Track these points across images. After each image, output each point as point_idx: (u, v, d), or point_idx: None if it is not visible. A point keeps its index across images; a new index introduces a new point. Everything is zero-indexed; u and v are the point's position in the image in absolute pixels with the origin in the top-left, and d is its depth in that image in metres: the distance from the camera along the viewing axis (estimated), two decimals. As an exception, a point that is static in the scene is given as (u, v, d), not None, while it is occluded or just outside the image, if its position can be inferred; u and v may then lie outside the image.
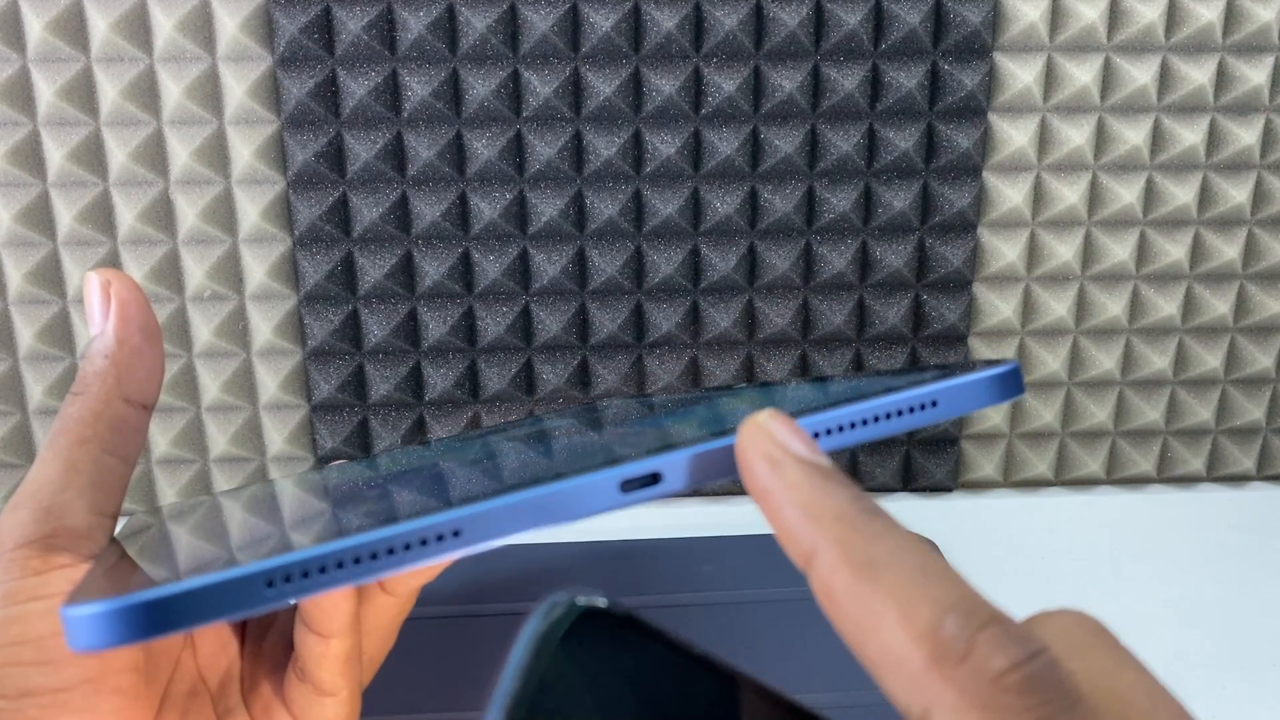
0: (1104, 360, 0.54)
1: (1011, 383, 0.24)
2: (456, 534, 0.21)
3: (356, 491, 0.27)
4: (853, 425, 0.23)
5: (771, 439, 0.21)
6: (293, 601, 0.20)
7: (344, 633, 0.28)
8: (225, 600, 0.19)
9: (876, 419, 0.24)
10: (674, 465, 0.22)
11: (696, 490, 0.22)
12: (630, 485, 0.22)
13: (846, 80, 0.50)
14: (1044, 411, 0.55)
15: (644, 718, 0.17)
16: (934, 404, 0.24)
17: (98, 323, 0.29)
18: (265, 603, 0.20)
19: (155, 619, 0.19)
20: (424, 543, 0.20)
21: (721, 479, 0.23)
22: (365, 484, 0.28)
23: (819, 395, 0.26)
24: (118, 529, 0.29)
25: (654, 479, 0.22)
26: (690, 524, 0.51)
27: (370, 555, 0.20)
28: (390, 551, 0.20)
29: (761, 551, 0.49)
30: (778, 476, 0.20)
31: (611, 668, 0.17)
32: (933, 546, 0.47)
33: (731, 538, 0.50)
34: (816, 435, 0.23)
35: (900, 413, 0.24)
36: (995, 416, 0.55)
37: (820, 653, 0.42)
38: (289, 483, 0.32)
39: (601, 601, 0.17)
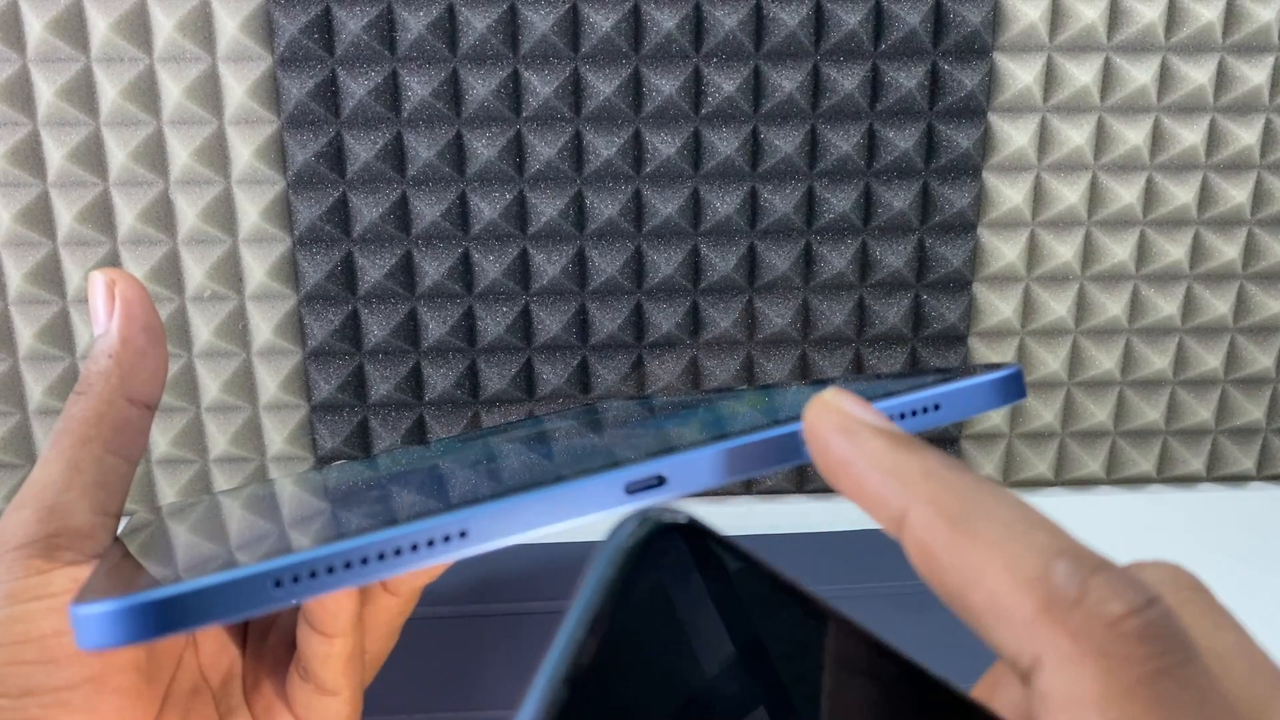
0: (1104, 360, 0.54)
1: (1014, 386, 0.24)
2: (463, 534, 0.21)
3: (361, 491, 0.27)
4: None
5: (842, 412, 0.20)
6: (300, 601, 0.20)
7: (347, 632, 0.28)
8: (233, 600, 0.19)
9: (901, 417, 0.24)
10: (679, 468, 0.22)
11: (699, 493, 0.22)
12: (635, 488, 0.22)
13: (846, 80, 0.50)
14: (1044, 411, 0.55)
15: (726, 637, 0.17)
16: (937, 407, 0.24)
17: (102, 322, 0.29)
18: (273, 602, 0.20)
19: (164, 618, 0.19)
20: (431, 543, 0.20)
21: (726, 481, 0.23)
22: (368, 484, 0.28)
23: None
24: (120, 528, 0.29)
25: (659, 481, 0.22)
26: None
27: (378, 556, 0.20)
28: (397, 552, 0.20)
29: (762, 551, 0.49)
30: (856, 445, 0.20)
31: (693, 585, 0.17)
32: None
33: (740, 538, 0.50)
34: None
35: (904, 415, 0.24)
36: (995, 416, 0.55)
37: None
38: (290, 482, 0.32)
39: (683, 518, 0.17)
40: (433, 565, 0.21)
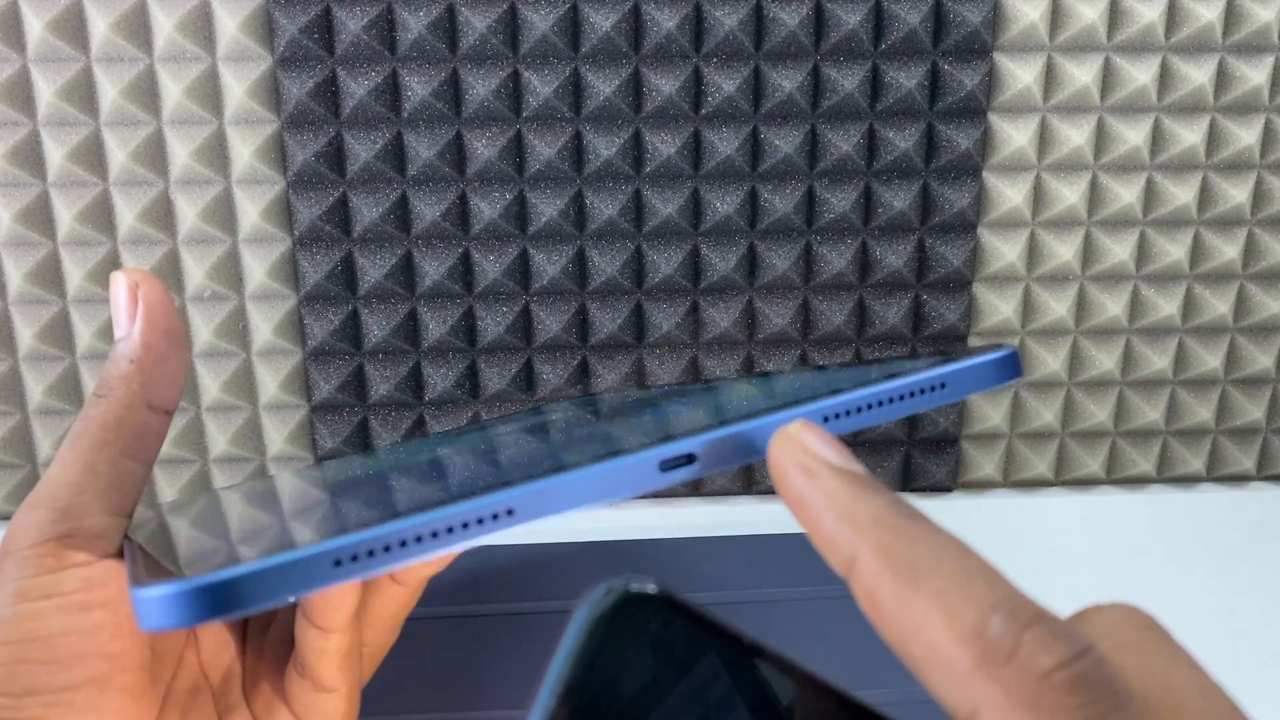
0: (1104, 360, 0.54)
1: (1011, 365, 0.25)
2: (510, 513, 0.21)
3: (396, 475, 0.28)
4: (864, 408, 0.24)
5: (804, 449, 0.21)
6: (357, 579, 0.21)
7: (344, 628, 0.28)
8: (294, 579, 0.20)
9: (889, 401, 0.24)
10: (708, 446, 0.23)
11: (721, 473, 0.24)
12: (669, 465, 0.23)
13: (846, 80, 0.50)
14: (1044, 411, 0.55)
15: (695, 705, 0.17)
16: (943, 386, 0.25)
17: (124, 325, 0.29)
18: (330, 581, 0.20)
19: (229, 598, 0.20)
20: (480, 521, 0.21)
21: (749, 460, 0.23)
22: (400, 469, 0.29)
23: (825, 382, 0.27)
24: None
25: (689, 459, 0.23)
26: (690, 524, 0.51)
27: (431, 534, 0.21)
28: (450, 530, 0.21)
29: (762, 552, 0.49)
30: (813, 485, 0.20)
31: (663, 655, 0.17)
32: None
33: (731, 538, 0.50)
34: (826, 419, 0.24)
35: (912, 394, 0.25)
36: (995, 416, 0.55)
37: (820, 652, 0.42)
38: (314, 470, 0.33)
39: (652, 588, 0.18)
40: (479, 542, 0.22)
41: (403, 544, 0.21)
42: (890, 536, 0.19)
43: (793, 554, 0.49)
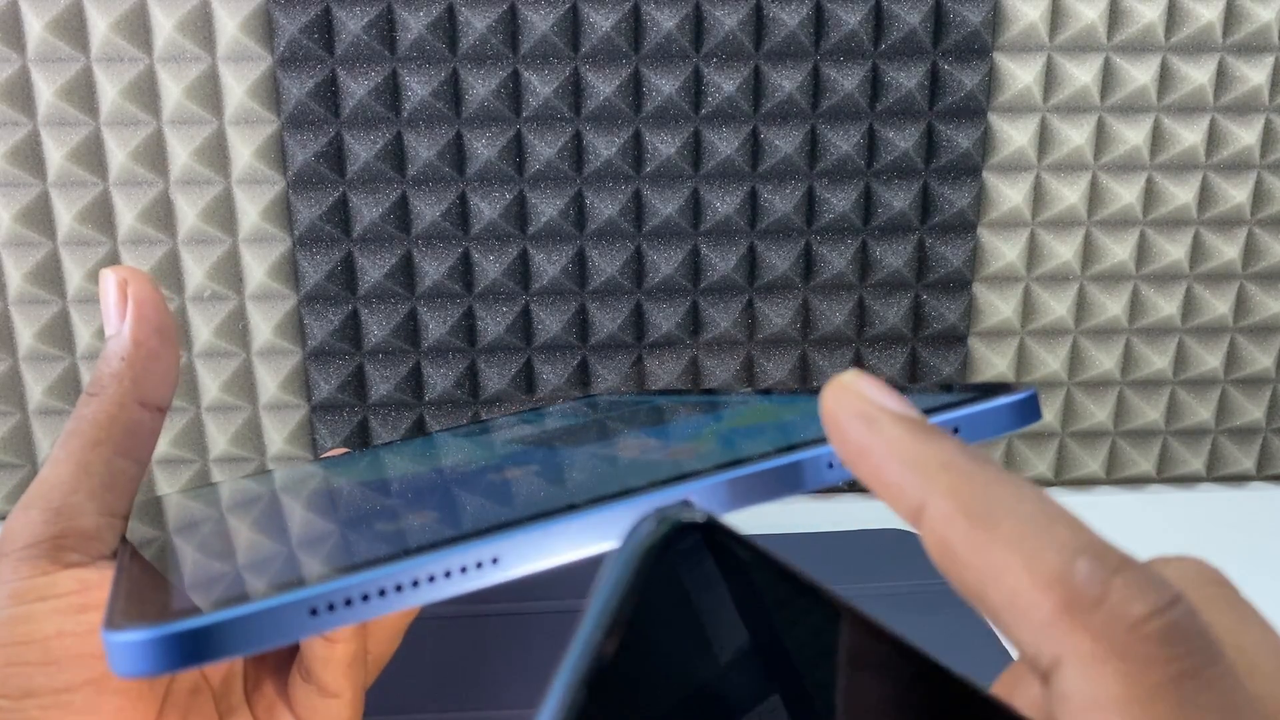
0: (1104, 360, 0.54)
1: (1030, 409, 0.24)
2: (495, 561, 0.20)
3: (379, 501, 0.27)
4: None
5: (862, 397, 0.20)
6: (333, 629, 0.20)
7: (350, 637, 0.28)
8: (269, 629, 0.19)
9: None
10: (706, 494, 0.22)
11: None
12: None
13: (846, 80, 0.50)
14: (1044, 411, 0.55)
15: (745, 635, 0.17)
16: (955, 430, 0.23)
17: (114, 323, 0.29)
18: (308, 631, 0.20)
19: (199, 647, 0.19)
20: (464, 570, 0.20)
21: (751, 505, 0.22)
22: (384, 490, 0.28)
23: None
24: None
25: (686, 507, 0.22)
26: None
27: (412, 583, 0.20)
28: (431, 579, 0.20)
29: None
30: (875, 432, 0.19)
31: (711, 584, 0.17)
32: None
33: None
34: (830, 466, 0.22)
35: None
36: (995, 416, 0.55)
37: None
38: (299, 482, 0.32)
39: (701, 516, 0.17)
40: (462, 591, 0.20)
41: (381, 593, 0.20)
42: (963, 480, 0.18)
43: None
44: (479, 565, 0.20)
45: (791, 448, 0.22)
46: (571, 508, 0.21)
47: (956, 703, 0.16)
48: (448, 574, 0.20)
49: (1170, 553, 0.20)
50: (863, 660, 0.17)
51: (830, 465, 0.22)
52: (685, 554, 0.17)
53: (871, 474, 0.19)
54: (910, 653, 0.16)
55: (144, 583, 0.23)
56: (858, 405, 0.19)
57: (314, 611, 0.19)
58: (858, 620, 0.17)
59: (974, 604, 0.17)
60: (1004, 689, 0.21)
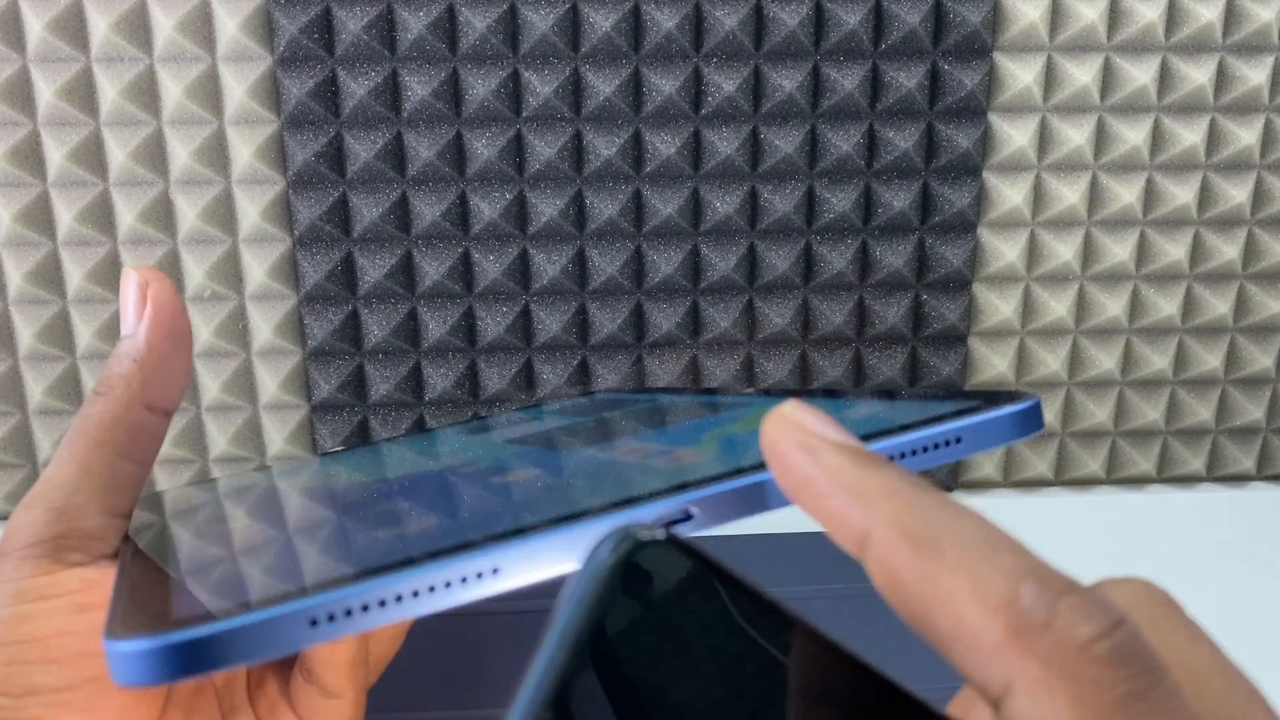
0: (1104, 360, 0.54)
1: (1033, 419, 0.24)
2: (496, 571, 0.20)
3: (378, 505, 0.27)
4: None
5: (801, 427, 0.20)
6: (334, 639, 0.20)
7: (352, 638, 0.28)
8: (269, 639, 0.19)
9: (901, 456, 0.23)
10: (708, 506, 0.22)
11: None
12: (666, 523, 0.21)
13: (846, 80, 0.50)
14: (1044, 411, 0.55)
15: (706, 653, 0.17)
16: (958, 440, 0.23)
17: (130, 324, 0.29)
18: (307, 641, 0.19)
19: (199, 657, 0.19)
20: (464, 580, 0.20)
21: (750, 515, 0.22)
22: (383, 493, 0.28)
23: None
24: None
25: (687, 517, 0.22)
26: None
27: (412, 593, 0.20)
28: (431, 589, 0.20)
29: (760, 552, 0.49)
30: (816, 463, 0.19)
31: (674, 603, 0.17)
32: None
33: (731, 537, 0.50)
34: None
35: (925, 450, 0.23)
36: (995, 416, 0.55)
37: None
38: (298, 481, 0.32)
39: (661, 534, 0.17)
40: (463, 602, 0.20)
41: (381, 603, 0.20)
42: (905, 509, 0.18)
43: (791, 554, 0.49)
44: (479, 575, 0.20)
45: None
46: (573, 517, 0.21)
47: None
48: (448, 584, 0.20)
49: (1168, 557, 0.20)
50: (823, 680, 0.17)
51: None
52: (646, 572, 0.17)
53: (814, 504, 0.19)
54: (871, 674, 0.17)
55: (145, 586, 0.23)
56: (797, 435, 0.20)
57: (314, 622, 0.19)
58: (818, 641, 0.17)
59: (921, 632, 0.17)
60: (958, 711, 0.21)
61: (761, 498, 0.22)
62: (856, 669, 0.16)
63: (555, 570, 0.21)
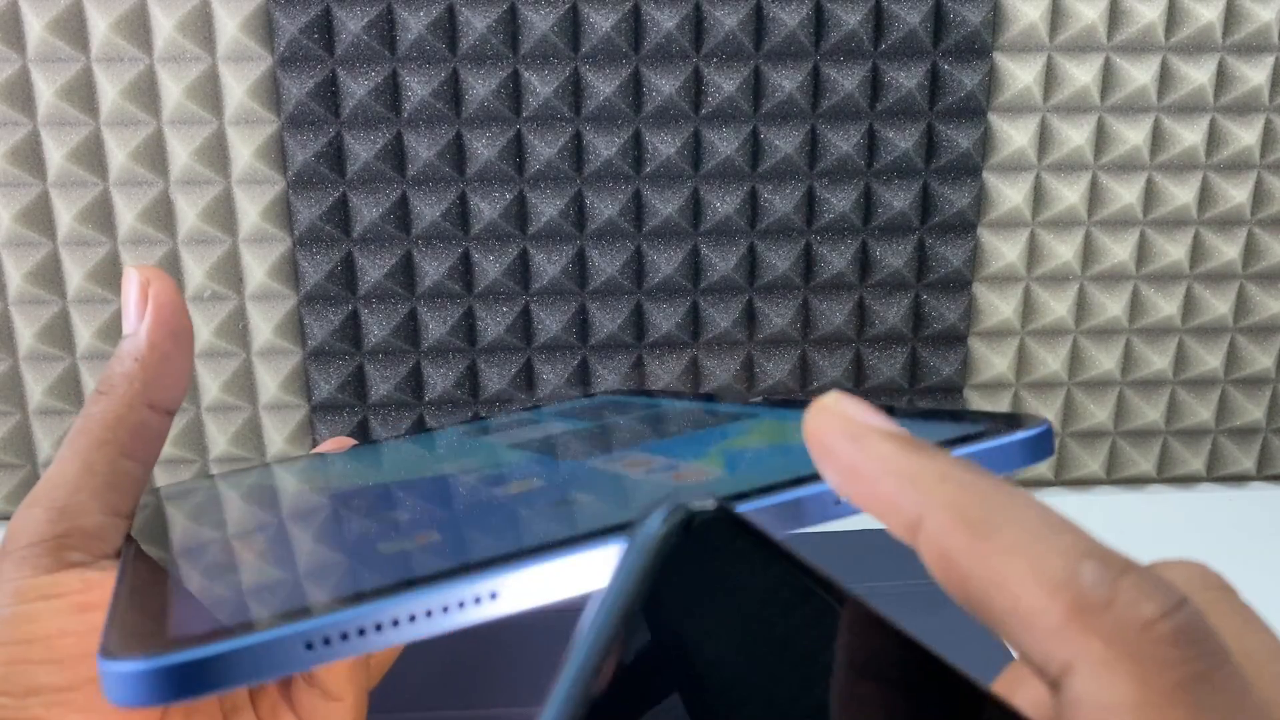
0: (1104, 360, 0.54)
1: (1044, 445, 0.23)
2: (494, 596, 0.20)
3: (377, 518, 0.27)
4: None
5: (847, 418, 0.19)
6: (331, 661, 0.20)
7: None
8: (265, 662, 0.19)
9: None
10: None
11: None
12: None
13: (846, 80, 0.50)
14: (1044, 411, 0.55)
15: (756, 626, 0.17)
16: None
17: (132, 323, 0.29)
18: (305, 664, 0.19)
19: (193, 680, 0.19)
20: (462, 604, 0.20)
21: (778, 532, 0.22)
22: (387, 505, 0.28)
23: None
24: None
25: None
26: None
27: (409, 618, 0.20)
28: (429, 614, 0.20)
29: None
30: (864, 450, 0.19)
31: (724, 574, 0.16)
32: None
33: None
34: (838, 503, 0.22)
35: None
36: (995, 416, 0.55)
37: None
38: (295, 489, 0.32)
39: (713, 505, 0.17)
40: (461, 625, 0.20)
41: (378, 628, 0.19)
42: (959, 491, 0.17)
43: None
44: (478, 600, 0.20)
45: (807, 478, 0.22)
46: (574, 541, 0.21)
47: (963, 701, 0.16)
48: (445, 609, 0.20)
49: (1170, 556, 0.20)
50: (870, 654, 0.17)
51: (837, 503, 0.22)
52: (698, 544, 0.16)
53: (864, 492, 0.19)
54: (918, 649, 0.16)
55: (143, 596, 0.23)
56: (843, 425, 0.19)
57: (310, 646, 0.19)
58: (865, 615, 0.17)
59: (976, 614, 0.17)
60: (1004, 688, 0.20)
61: (776, 520, 0.22)
62: (906, 645, 0.16)
63: (555, 596, 0.20)
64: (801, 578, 0.17)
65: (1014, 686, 0.20)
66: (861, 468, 0.19)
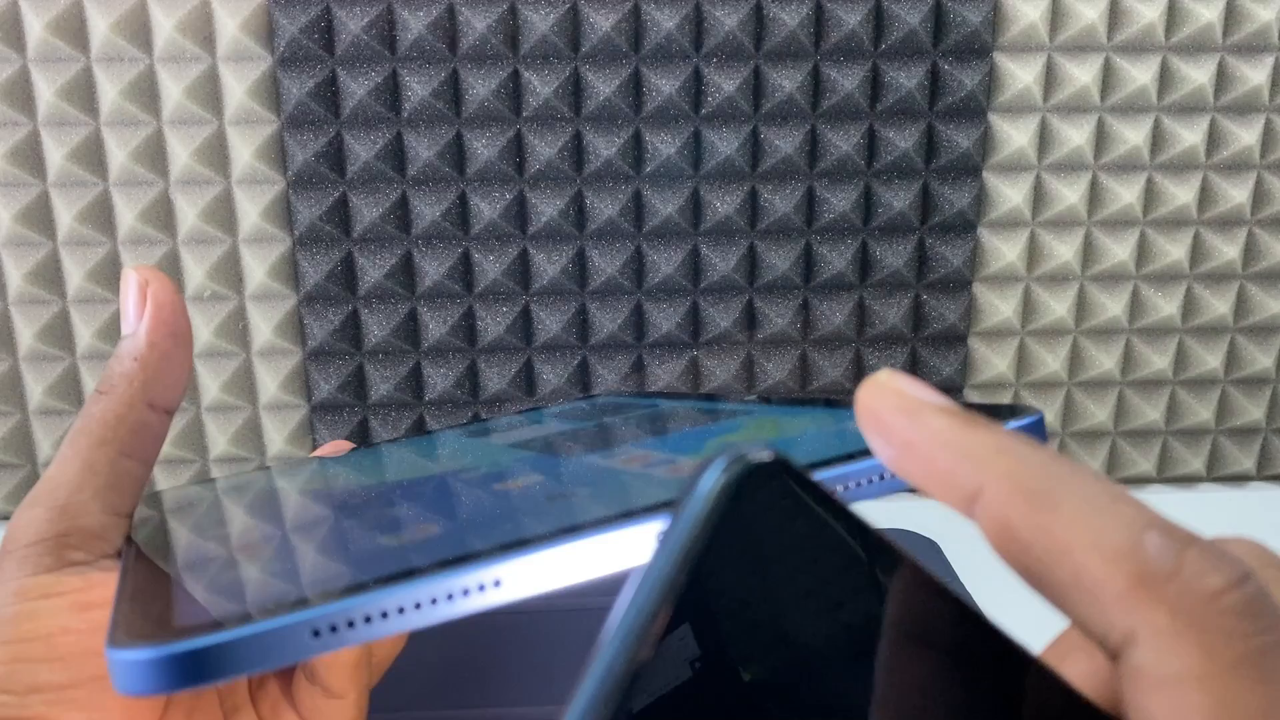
0: (1104, 360, 0.54)
1: (1036, 434, 0.24)
2: (497, 583, 0.20)
3: (379, 511, 0.27)
4: (875, 480, 0.23)
5: (901, 393, 0.19)
6: (337, 649, 0.20)
7: None
8: (272, 650, 0.19)
9: (894, 476, 0.23)
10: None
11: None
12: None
13: (846, 80, 0.50)
14: (1044, 411, 0.55)
15: (812, 577, 0.17)
16: None
17: (131, 322, 0.29)
18: (310, 652, 0.19)
19: (202, 668, 0.19)
20: (466, 592, 0.20)
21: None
22: (391, 499, 0.28)
23: (832, 441, 0.25)
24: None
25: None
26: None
27: (415, 605, 0.20)
28: (434, 601, 0.20)
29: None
30: (919, 424, 0.19)
31: (782, 525, 0.17)
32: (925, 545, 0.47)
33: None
34: (842, 489, 0.22)
35: None
36: (995, 416, 0.55)
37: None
38: (297, 485, 0.32)
39: (771, 456, 0.17)
40: (466, 613, 0.20)
41: (384, 615, 0.20)
42: (1018, 463, 0.17)
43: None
44: (481, 588, 0.20)
45: (823, 462, 0.22)
46: (577, 528, 0.21)
47: (1012, 665, 0.16)
48: (450, 596, 0.20)
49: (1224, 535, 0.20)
50: (922, 613, 0.17)
51: (845, 489, 0.22)
52: (757, 494, 0.16)
53: (920, 465, 0.19)
54: (970, 614, 0.17)
55: (148, 590, 0.23)
56: (897, 400, 0.19)
57: (316, 633, 0.19)
58: (916, 574, 0.17)
59: (1035, 585, 0.17)
60: (1053, 659, 0.21)
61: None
62: (959, 609, 0.16)
63: (557, 583, 0.21)
64: (859, 535, 0.17)
65: (1060, 659, 0.20)
66: (917, 442, 0.19)
